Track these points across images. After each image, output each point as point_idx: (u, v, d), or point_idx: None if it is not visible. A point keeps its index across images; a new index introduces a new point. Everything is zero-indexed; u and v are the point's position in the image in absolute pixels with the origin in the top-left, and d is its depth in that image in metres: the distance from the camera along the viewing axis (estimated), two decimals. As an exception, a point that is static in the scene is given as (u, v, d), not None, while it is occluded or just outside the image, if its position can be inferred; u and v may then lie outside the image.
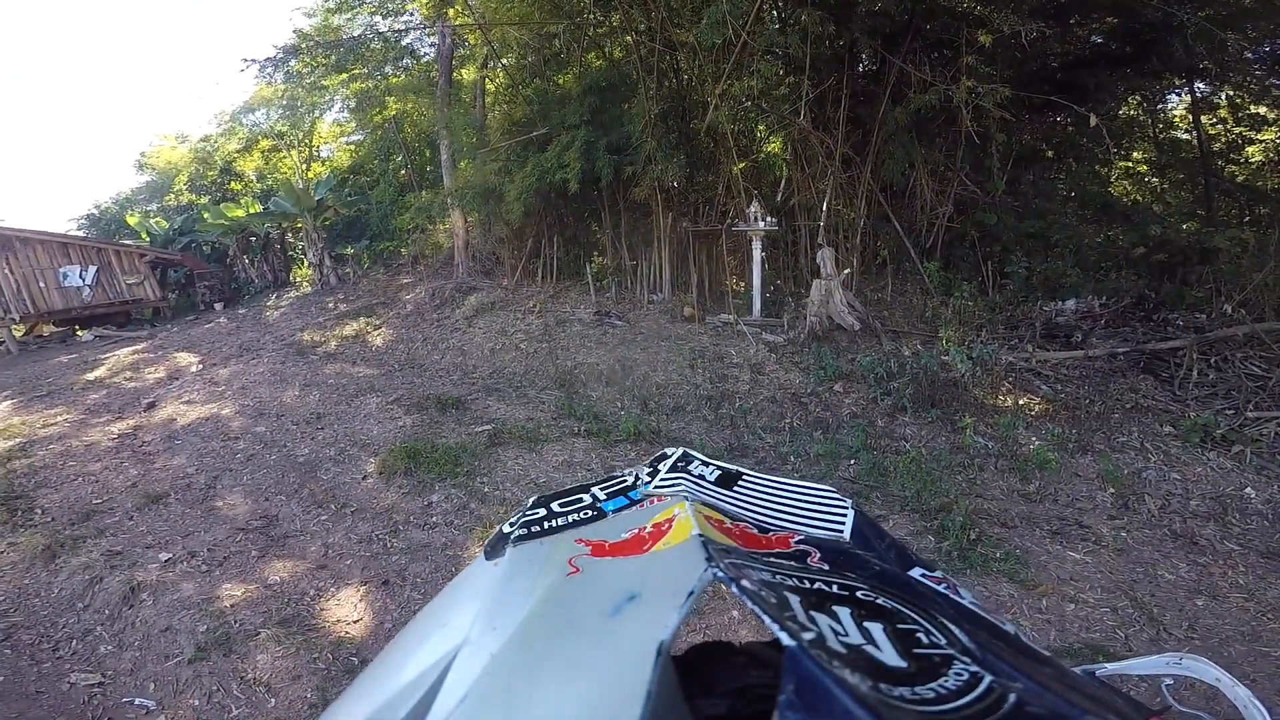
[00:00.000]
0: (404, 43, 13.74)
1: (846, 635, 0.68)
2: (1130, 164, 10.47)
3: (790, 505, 1.22)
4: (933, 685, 0.61)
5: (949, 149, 7.75)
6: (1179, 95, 9.92)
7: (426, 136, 15.06)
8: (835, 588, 0.83)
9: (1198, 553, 3.50)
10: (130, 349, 10.51)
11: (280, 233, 16.07)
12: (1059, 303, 6.90)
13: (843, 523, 1.17)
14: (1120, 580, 3.29)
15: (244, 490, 4.86)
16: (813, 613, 0.70)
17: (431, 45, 13.07)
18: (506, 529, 1.10)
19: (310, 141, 17.86)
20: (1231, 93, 9.42)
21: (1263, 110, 9.52)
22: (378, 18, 13.33)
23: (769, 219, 7.45)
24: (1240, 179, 9.71)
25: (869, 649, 0.67)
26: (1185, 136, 10.22)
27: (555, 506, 1.15)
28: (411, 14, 13.06)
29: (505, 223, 9.70)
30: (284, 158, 18.19)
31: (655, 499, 1.14)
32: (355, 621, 3.33)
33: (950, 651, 0.70)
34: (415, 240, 13.14)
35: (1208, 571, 3.35)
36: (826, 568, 0.93)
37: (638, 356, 6.85)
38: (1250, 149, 9.89)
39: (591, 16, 8.99)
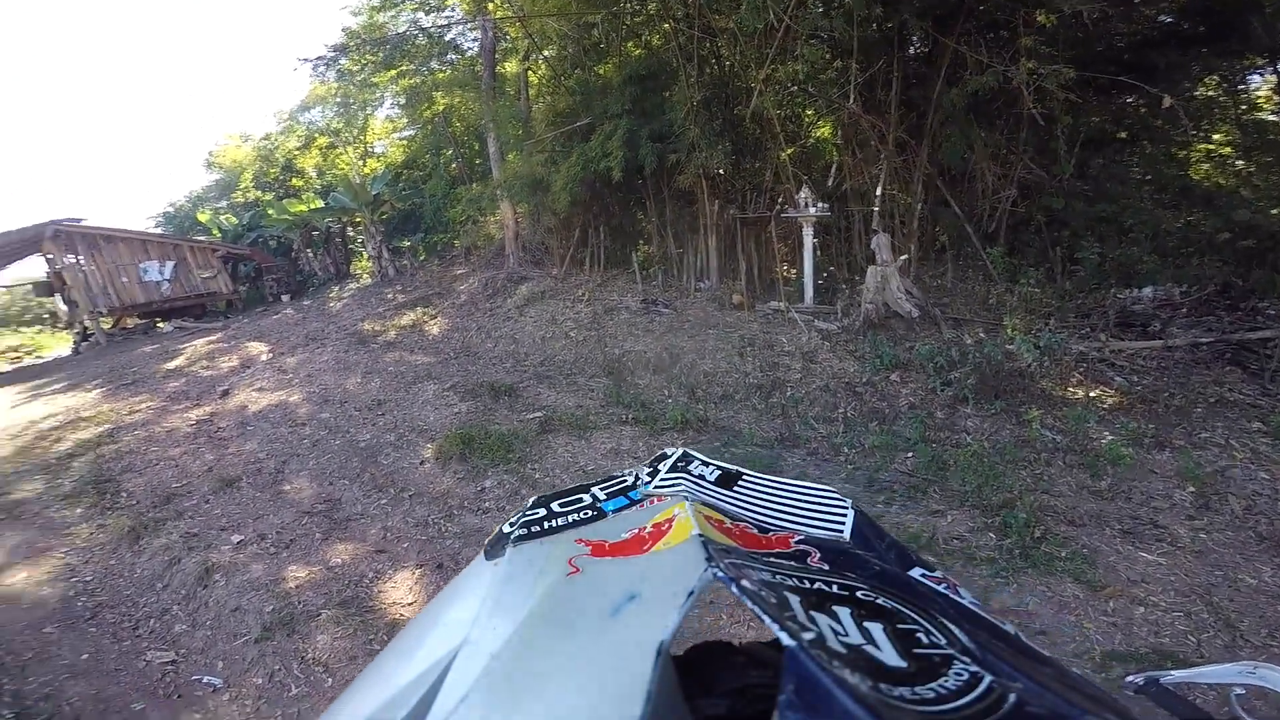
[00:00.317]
0: (447, 38, 13.99)
1: (846, 635, 0.68)
2: (1211, 147, 9.75)
3: (790, 505, 1.22)
4: (933, 685, 0.61)
5: (1010, 131, 7.38)
6: (1261, 75, 9.22)
7: (474, 130, 15.33)
8: (835, 588, 0.82)
9: (1287, 556, 3.27)
10: (206, 339, 11.16)
11: (340, 227, 16.70)
12: (1134, 290, 6.50)
13: (843, 523, 1.17)
14: (1196, 584, 3.11)
15: (310, 474, 5.09)
16: (813, 613, 0.70)
17: (474, 39, 13.27)
18: (507, 529, 1.11)
19: (364, 138, 18.40)
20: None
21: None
22: (421, 14, 13.59)
23: (820, 205, 7.28)
24: (1335, 161, 8.88)
25: (869, 649, 0.67)
26: (1272, 118, 9.47)
27: (555, 506, 1.15)
28: (453, 9, 13.28)
29: (553, 213, 9.82)
30: (340, 154, 18.84)
31: (655, 499, 1.14)
32: (409, 604, 3.43)
33: (950, 651, 0.70)
34: (467, 232, 13.44)
35: (1297, 577, 3.13)
36: (826, 568, 0.93)
37: (685, 344, 6.83)
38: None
39: (628, 5, 8.94)
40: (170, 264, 14.92)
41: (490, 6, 10.75)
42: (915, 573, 1.03)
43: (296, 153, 19.76)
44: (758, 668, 0.92)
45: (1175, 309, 6.06)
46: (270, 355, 8.95)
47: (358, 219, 15.27)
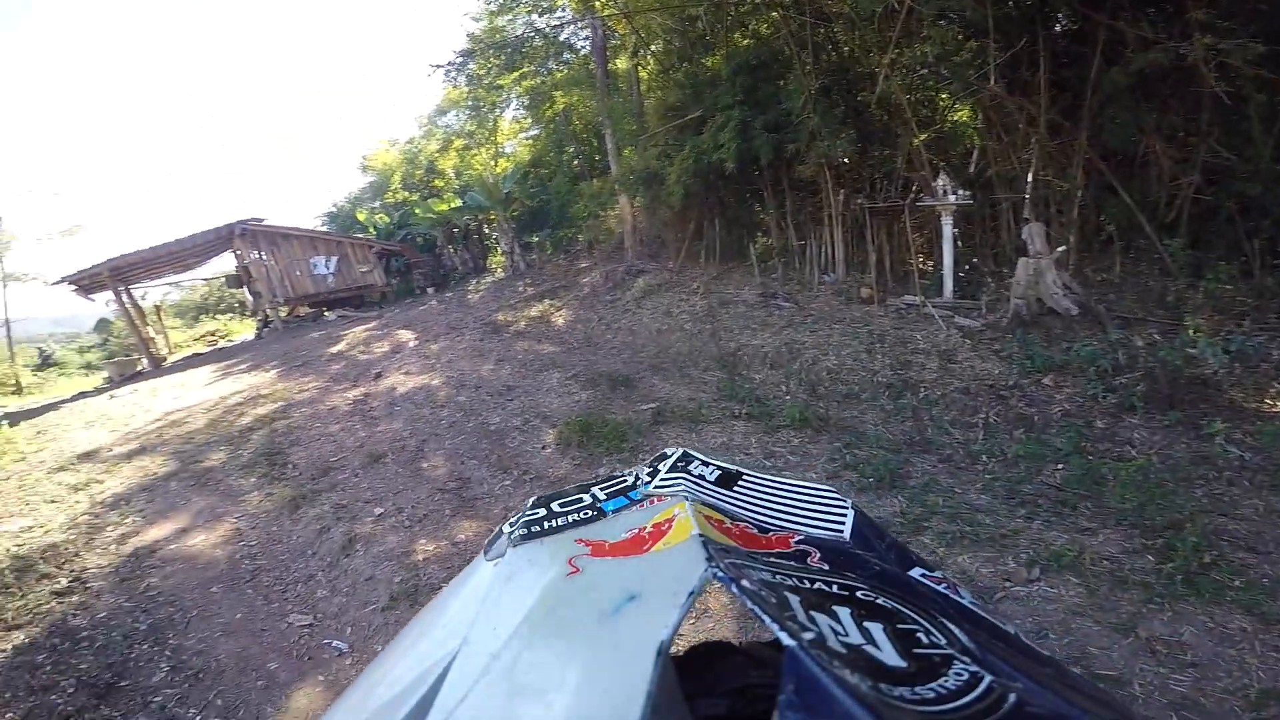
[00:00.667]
0: (561, 38, 14.54)
1: (846, 635, 0.68)
2: None
3: (790, 505, 1.21)
4: (933, 685, 0.61)
5: (1188, 112, 6.36)
6: None
7: (593, 127, 15.82)
8: (835, 588, 0.82)
9: None
10: (363, 327, 12.52)
11: (478, 224, 18.00)
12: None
13: (843, 523, 1.16)
14: None
15: (445, 454, 5.50)
16: (813, 613, 0.70)
17: (585, 38, 13.67)
18: (507, 529, 1.11)
19: (495, 138, 19.57)
20: None
21: None
22: (534, 16, 14.18)
23: (960, 192, 6.74)
24: None
25: (869, 649, 0.67)
26: None
27: (555, 507, 1.16)
28: (564, 9, 13.71)
29: (668, 206, 9.91)
30: (475, 155, 20.22)
31: (655, 499, 1.13)
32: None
33: (950, 651, 0.70)
34: (589, 227, 13.95)
35: None
36: (826, 568, 0.93)
37: (806, 339, 6.64)
38: None
39: (731, -5, 8.75)
40: (335, 259, 16.88)
41: (597, 4, 10.97)
42: (915, 573, 1.02)
43: (437, 155, 21.50)
44: (758, 668, 0.93)
45: None
46: (417, 342, 9.86)
47: (492, 216, 16.36)
